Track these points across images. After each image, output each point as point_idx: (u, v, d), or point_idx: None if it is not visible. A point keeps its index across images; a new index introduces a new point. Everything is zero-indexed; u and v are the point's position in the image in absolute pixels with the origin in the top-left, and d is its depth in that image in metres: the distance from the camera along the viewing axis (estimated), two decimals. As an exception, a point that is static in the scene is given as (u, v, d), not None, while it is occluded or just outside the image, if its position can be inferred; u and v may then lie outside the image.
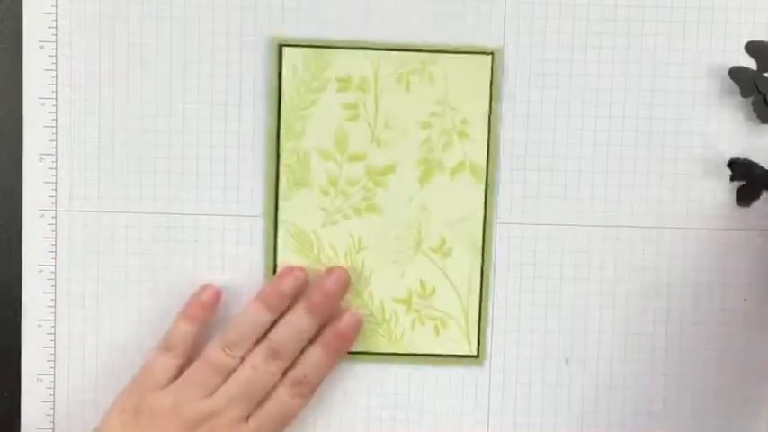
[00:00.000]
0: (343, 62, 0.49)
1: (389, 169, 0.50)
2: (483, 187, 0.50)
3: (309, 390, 0.48)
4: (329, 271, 0.49)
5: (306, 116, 0.49)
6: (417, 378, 0.51)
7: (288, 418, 0.48)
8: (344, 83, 0.49)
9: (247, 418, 0.47)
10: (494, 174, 0.50)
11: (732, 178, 0.50)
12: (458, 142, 0.50)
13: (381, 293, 0.50)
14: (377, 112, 0.49)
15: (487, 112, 0.50)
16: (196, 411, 0.46)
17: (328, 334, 0.48)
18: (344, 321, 0.48)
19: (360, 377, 0.51)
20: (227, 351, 0.47)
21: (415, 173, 0.50)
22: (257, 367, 0.47)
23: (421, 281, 0.50)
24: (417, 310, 0.50)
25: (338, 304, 0.49)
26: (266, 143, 0.50)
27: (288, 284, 0.48)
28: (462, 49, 0.49)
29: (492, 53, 0.49)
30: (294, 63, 0.49)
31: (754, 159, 0.51)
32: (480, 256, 0.50)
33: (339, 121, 0.49)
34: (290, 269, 0.49)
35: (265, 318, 0.48)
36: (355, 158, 0.50)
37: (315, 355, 0.48)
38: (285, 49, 0.49)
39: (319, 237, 0.50)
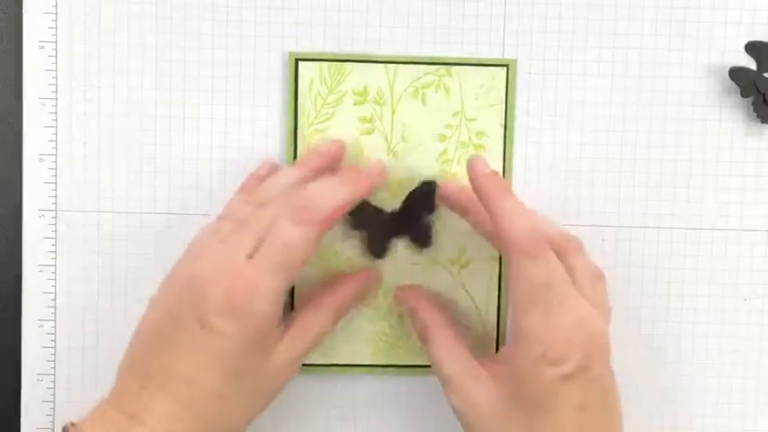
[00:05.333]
0: (359, 75, 0.49)
1: (406, 182, 0.50)
2: None
3: (314, 214, 0.42)
4: (369, 165, 0.48)
5: (322, 129, 0.49)
6: (437, 390, 0.51)
7: (293, 252, 0.42)
8: (360, 96, 0.49)
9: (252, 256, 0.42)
10: (510, 185, 0.50)
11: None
12: (474, 155, 0.50)
13: (400, 306, 0.50)
14: (393, 124, 0.49)
15: (503, 124, 0.50)
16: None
17: (348, 169, 0.47)
18: (371, 165, 0.48)
19: (379, 390, 0.51)
20: (248, 200, 0.45)
21: None
22: (270, 210, 0.43)
23: (439, 293, 0.50)
24: None
25: (372, 190, 0.47)
26: (283, 157, 0.50)
27: (325, 148, 0.48)
28: (477, 62, 0.49)
29: (507, 65, 0.49)
30: (310, 77, 0.49)
31: (754, 159, 0.51)
32: (498, 267, 0.50)
33: (355, 134, 0.49)
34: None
35: (294, 175, 0.46)
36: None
37: (328, 182, 0.44)
38: (301, 63, 0.49)
39: (336, 250, 0.50)
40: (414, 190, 0.49)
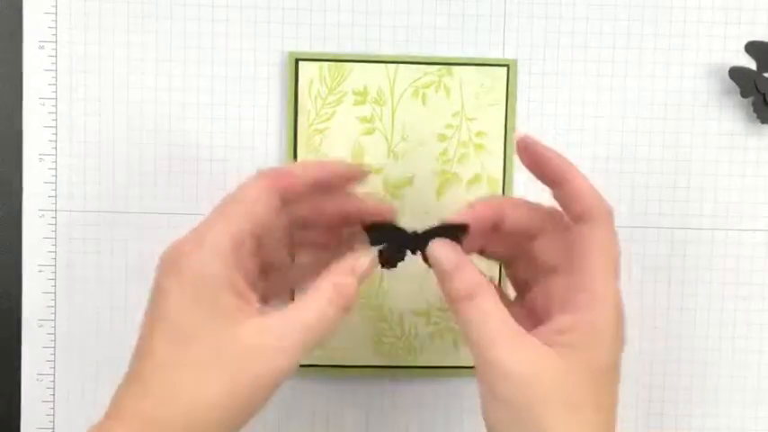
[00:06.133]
0: (360, 75, 0.49)
1: (406, 182, 0.50)
2: None
3: (275, 171, 0.41)
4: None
5: (322, 129, 0.49)
6: (437, 391, 0.51)
7: (244, 200, 0.40)
8: (361, 96, 0.49)
9: None
10: (510, 185, 0.50)
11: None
12: (474, 154, 0.50)
13: (400, 307, 0.50)
14: (393, 124, 0.49)
15: (503, 124, 0.50)
16: None
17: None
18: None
19: (379, 391, 0.51)
20: None
21: (433, 185, 0.50)
22: None
23: (439, 294, 0.50)
24: (436, 323, 0.50)
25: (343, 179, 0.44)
26: (283, 157, 0.50)
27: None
28: (478, 62, 0.49)
29: (507, 65, 0.50)
30: (310, 77, 0.49)
31: (754, 159, 0.51)
32: (498, 267, 0.50)
33: (356, 134, 0.49)
34: None
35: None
36: (372, 171, 0.49)
37: None
38: (301, 63, 0.49)
39: None
40: (442, 227, 0.43)
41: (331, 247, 0.44)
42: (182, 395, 0.38)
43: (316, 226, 0.44)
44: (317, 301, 0.40)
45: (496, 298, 0.41)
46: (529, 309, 0.44)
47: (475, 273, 0.42)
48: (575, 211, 0.41)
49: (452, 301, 0.42)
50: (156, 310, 0.38)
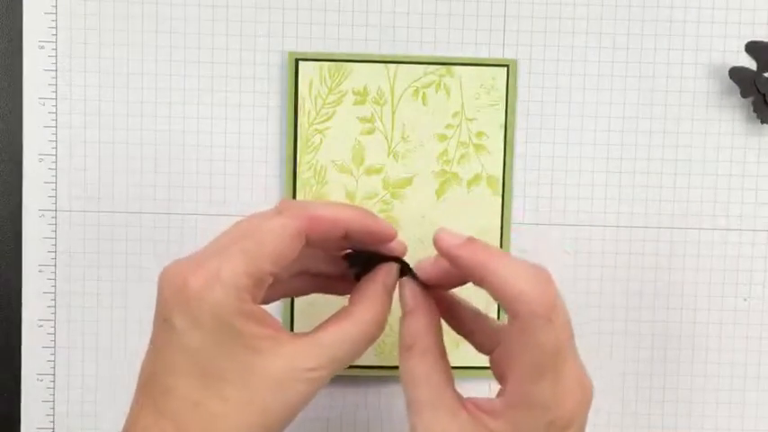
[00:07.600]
0: (360, 75, 0.49)
1: (406, 182, 0.50)
2: (500, 199, 0.50)
3: (299, 209, 0.39)
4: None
5: (322, 129, 0.49)
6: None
7: (263, 237, 0.38)
8: (361, 96, 0.49)
9: None
10: (510, 185, 0.50)
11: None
12: (474, 154, 0.50)
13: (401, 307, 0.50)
14: (393, 124, 0.49)
15: (503, 124, 0.50)
16: None
17: None
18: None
19: (379, 391, 0.51)
20: None
21: (433, 185, 0.50)
22: None
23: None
24: None
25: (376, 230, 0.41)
26: (283, 157, 0.50)
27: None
28: (478, 62, 0.49)
29: (507, 65, 0.50)
30: (310, 77, 0.49)
31: (754, 159, 0.51)
32: None
33: (356, 134, 0.49)
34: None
35: None
36: (372, 171, 0.50)
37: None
38: (301, 63, 0.49)
39: None
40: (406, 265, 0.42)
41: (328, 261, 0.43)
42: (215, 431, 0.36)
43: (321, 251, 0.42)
44: (342, 334, 0.39)
45: (435, 358, 0.39)
46: (494, 366, 0.41)
47: (420, 325, 0.40)
48: (504, 307, 0.37)
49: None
50: (170, 348, 0.36)
